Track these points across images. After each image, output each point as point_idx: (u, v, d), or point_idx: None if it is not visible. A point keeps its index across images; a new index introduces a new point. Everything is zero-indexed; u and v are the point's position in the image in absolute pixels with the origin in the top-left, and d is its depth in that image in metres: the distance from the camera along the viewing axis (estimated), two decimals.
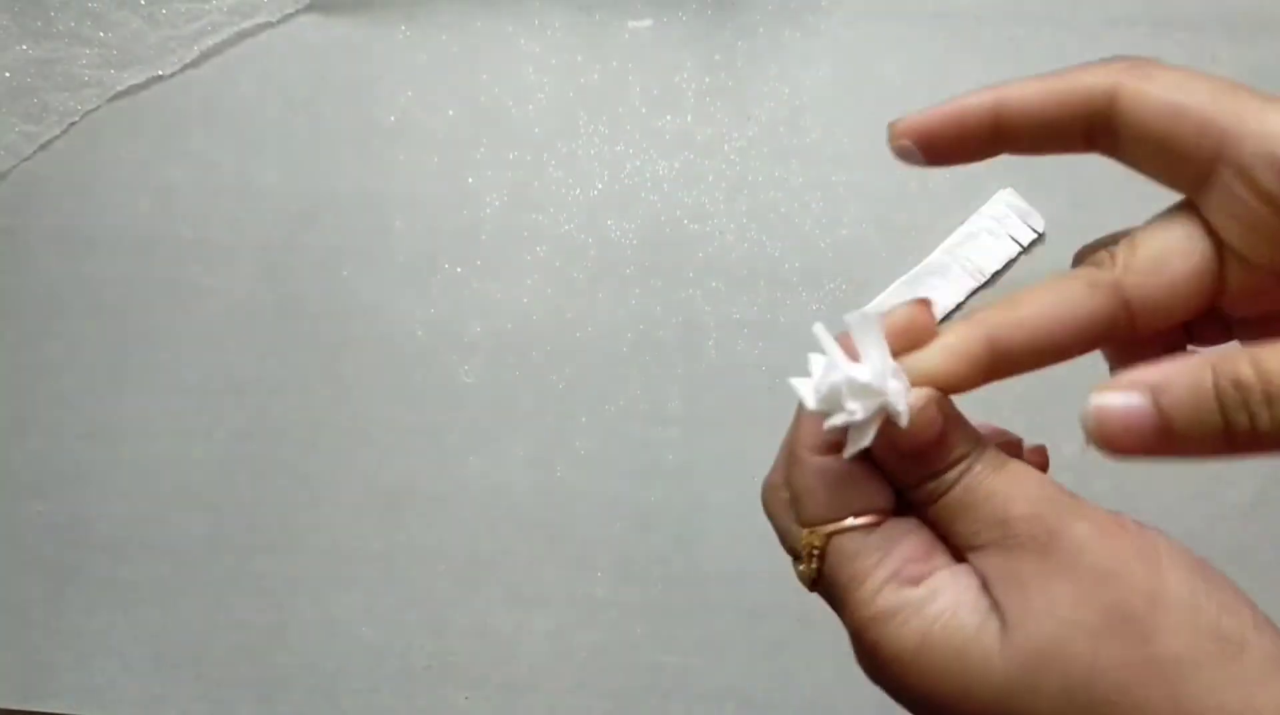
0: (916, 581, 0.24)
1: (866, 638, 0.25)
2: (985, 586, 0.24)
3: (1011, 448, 0.27)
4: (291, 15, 0.55)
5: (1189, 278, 0.25)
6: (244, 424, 0.52)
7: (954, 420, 0.26)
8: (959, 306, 0.51)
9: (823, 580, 0.26)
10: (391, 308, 0.52)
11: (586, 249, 0.52)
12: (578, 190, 0.53)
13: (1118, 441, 0.22)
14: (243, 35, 0.55)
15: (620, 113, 0.53)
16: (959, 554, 0.25)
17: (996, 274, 0.51)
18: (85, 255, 0.54)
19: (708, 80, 0.53)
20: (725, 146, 0.53)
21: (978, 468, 0.25)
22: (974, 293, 0.51)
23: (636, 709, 0.49)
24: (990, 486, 0.24)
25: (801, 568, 0.26)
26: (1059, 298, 0.26)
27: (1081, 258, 0.28)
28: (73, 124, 0.55)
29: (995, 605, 0.23)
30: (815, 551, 0.25)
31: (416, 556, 0.50)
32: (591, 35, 0.54)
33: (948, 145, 0.27)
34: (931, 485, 0.25)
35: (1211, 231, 0.24)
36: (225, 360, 0.53)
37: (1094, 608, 0.22)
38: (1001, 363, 0.26)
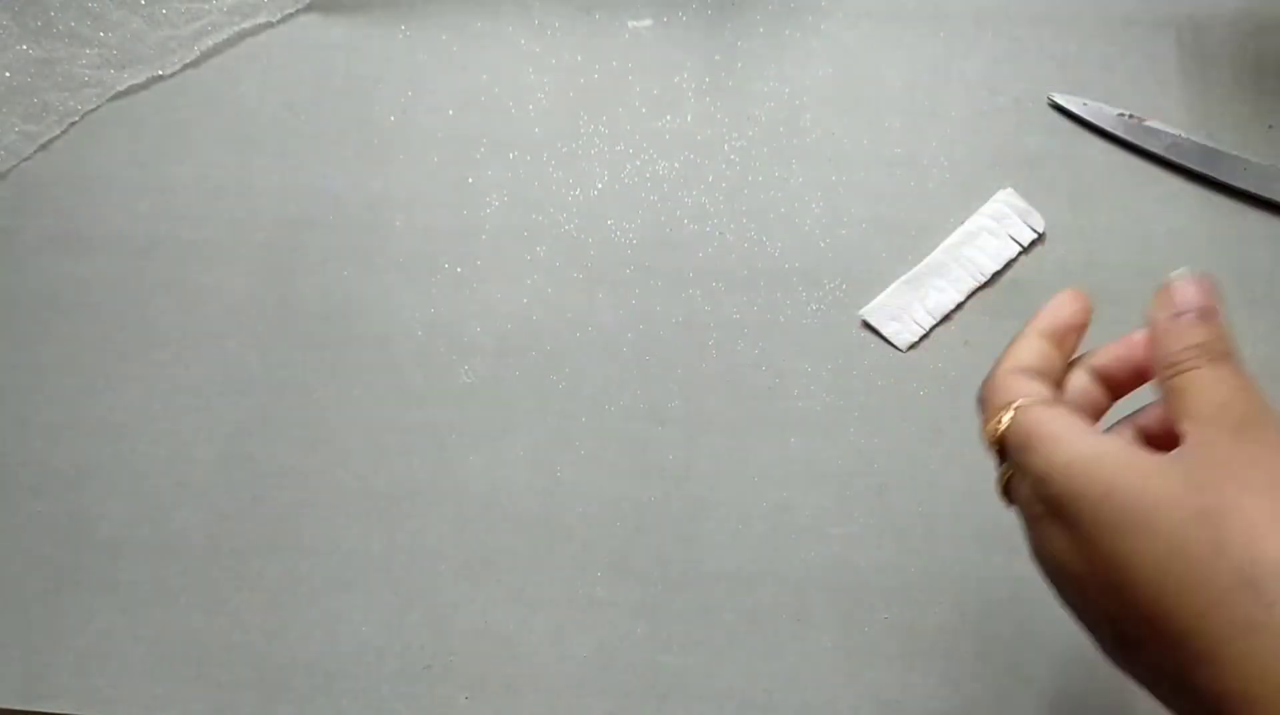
0: (1095, 431, 0.32)
1: (1049, 451, 0.32)
2: (1180, 449, 0.30)
3: None
4: (291, 15, 0.55)
5: None
6: (244, 424, 0.52)
7: (1215, 310, 0.33)
8: (959, 306, 0.51)
9: (1012, 432, 0.33)
10: (391, 308, 0.53)
11: (586, 249, 0.52)
12: (578, 190, 0.53)
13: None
14: (243, 35, 0.55)
15: (620, 113, 0.54)
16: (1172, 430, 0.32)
17: (997, 274, 0.51)
18: (85, 255, 0.54)
19: (708, 80, 0.53)
20: (725, 146, 0.53)
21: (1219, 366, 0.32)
22: (974, 292, 0.51)
23: (636, 709, 0.49)
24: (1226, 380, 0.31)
25: (990, 427, 0.34)
26: None
27: None
28: (73, 124, 0.55)
29: (1181, 451, 0.30)
30: (1010, 410, 0.34)
31: (416, 556, 0.50)
32: (591, 35, 0.54)
33: None
34: (1190, 353, 0.32)
35: None
36: (225, 360, 0.53)
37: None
38: None
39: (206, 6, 0.55)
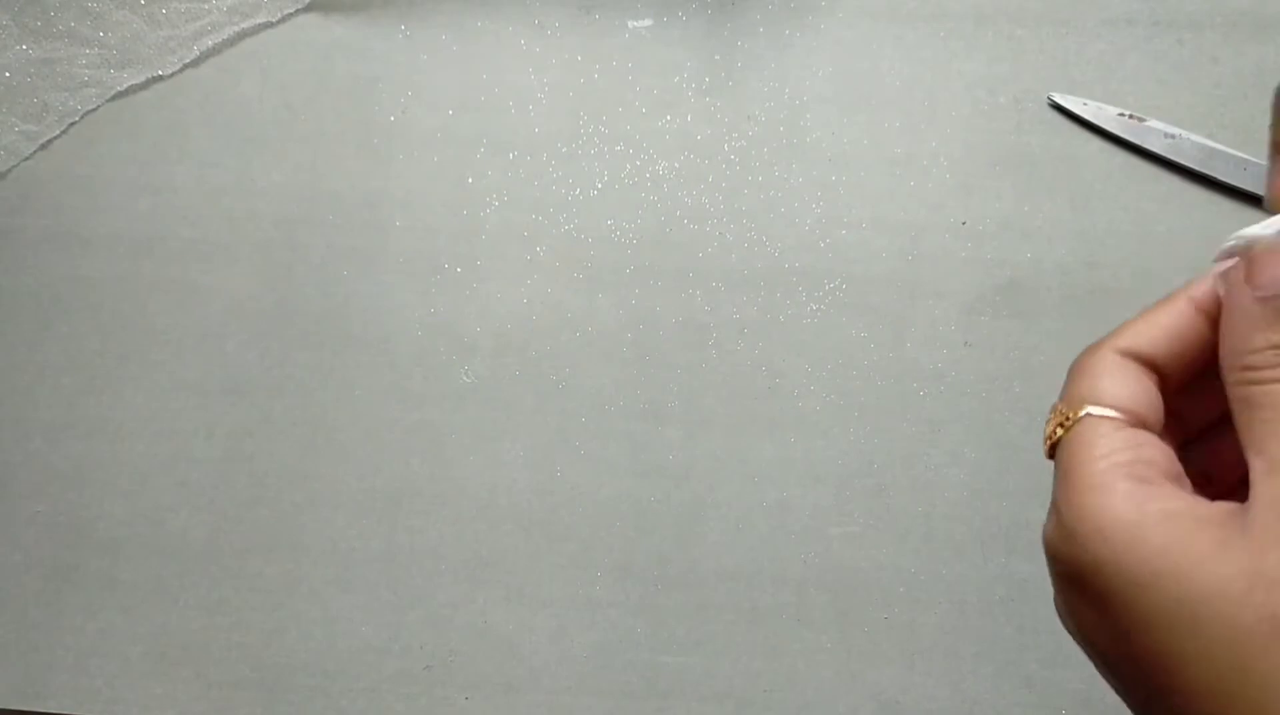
0: (1152, 483, 0.24)
1: (1080, 502, 0.25)
2: (1249, 507, 0.23)
3: None
4: (291, 15, 0.55)
5: None
6: (244, 424, 0.52)
7: None
8: None
9: (1059, 450, 0.26)
10: (391, 308, 0.52)
11: (586, 249, 0.52)
12: (578, 190, 0.53)
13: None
14: (243, 35, 0.55)
15: (620, 113, 0.53)
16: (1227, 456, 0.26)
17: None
18: (85, 255, 0.54)
19: (708, 80, 0.53)
20: (725, 146, 0.53)
21: None
22: None
23: (636, 709, 0.49)
24: None
25: (1049, 428, 0.27)
26: None
27: None
28: (73, 124, 0.55)
29: (1249, 518, 0.23)
30: (1065, 421, 0.26)
31: (416, 556, 0.50)
32: (591, 35, 0.54)
33: None
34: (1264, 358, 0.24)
35: None
36: (225, 360, 0.53)
37: None
38: None
39: (206, 6, 0.55)
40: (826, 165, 0.52)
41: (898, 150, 0.52)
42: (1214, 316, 0.26)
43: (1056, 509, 0.25)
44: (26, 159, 0.55)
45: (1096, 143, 0.52)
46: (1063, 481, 0.25)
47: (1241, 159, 0.51)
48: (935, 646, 0.48)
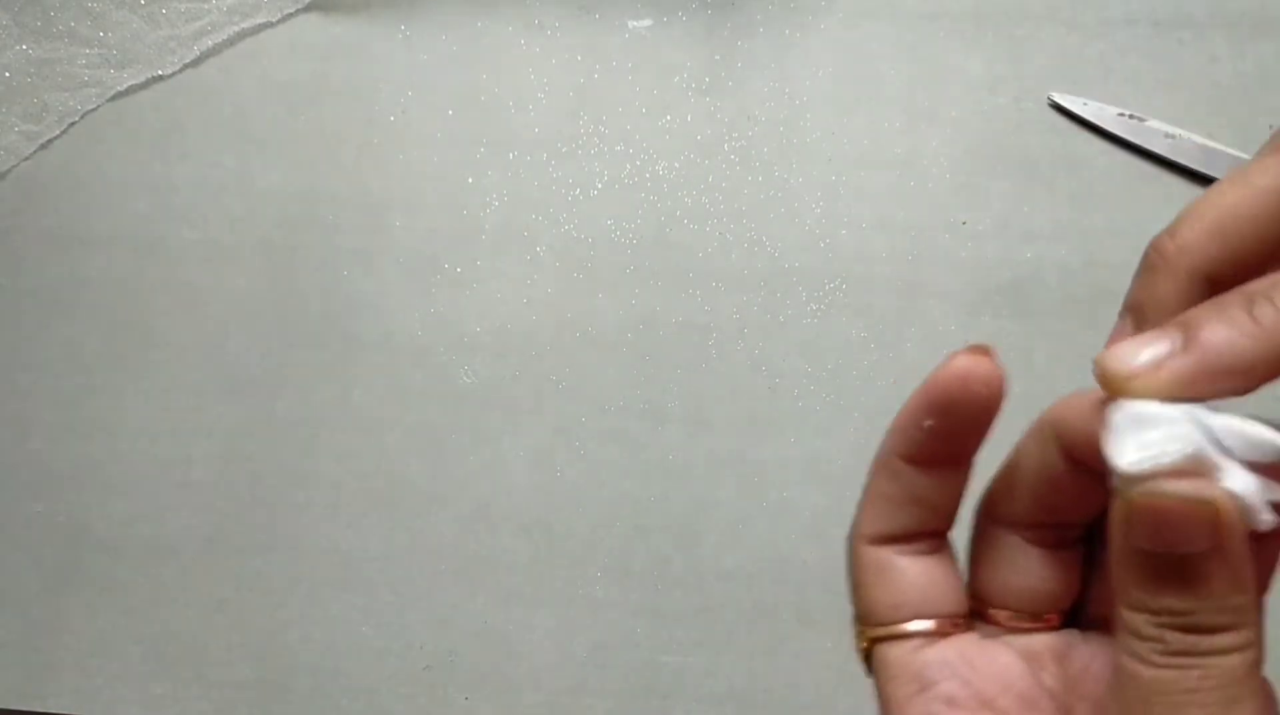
0: None
1: None
2: None
3: None
4: (291, 15, 0.55)
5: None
6: (244, 424, 0.52)
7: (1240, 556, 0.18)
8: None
9: (874, 672, 0.23)
10: (391, 308, 0.52)
11: (586, 249, 0.52)
12: (578, 190, 0.53)
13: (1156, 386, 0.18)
14: (243, 35, 0.55)
15: (620, 113, 0.53)
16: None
17: None
18: (85, 255, 0.54)
19: (708, 80, 0.53)
20: (725, 146, 0.53)
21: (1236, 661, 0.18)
22: None
23: (636, 709, 0.49)
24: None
25: (856, 639, 0.24)
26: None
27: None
28: (73, 124, 0.55)
29: None
30: (864, 649, 0.23)
31: (416, 556, 0.50)
32: (591, 35, 0.54)
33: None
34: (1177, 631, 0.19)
35: None
36: (225, 360, 0.53)
37: None
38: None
39: (206, 6, 0.55)
40: (826, 165, 0.52)
41: (898, 150, 0.52)
42: (926, 465, 0.24)
43: None
44: (26, 159, 0.55)
45: (1096, 143, 0.52)
46: None
47: (1241, 159, 0.51)
48: None
